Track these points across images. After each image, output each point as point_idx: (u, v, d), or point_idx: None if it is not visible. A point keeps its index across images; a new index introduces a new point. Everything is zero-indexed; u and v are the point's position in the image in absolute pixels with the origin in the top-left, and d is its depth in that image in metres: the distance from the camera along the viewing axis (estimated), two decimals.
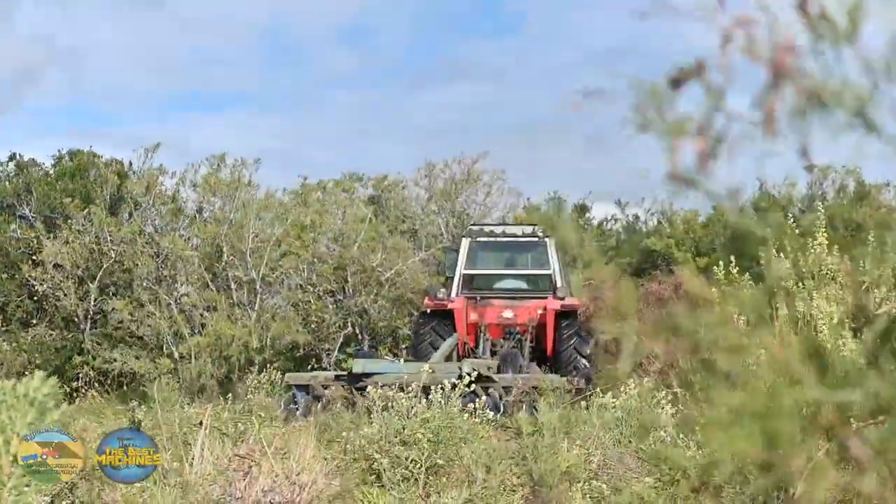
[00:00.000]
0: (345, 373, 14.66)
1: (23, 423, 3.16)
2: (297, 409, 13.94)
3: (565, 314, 17.31)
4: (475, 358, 16.04)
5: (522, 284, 18.53)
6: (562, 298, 17.52)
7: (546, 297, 17.59)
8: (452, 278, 18.26)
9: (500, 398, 13.29)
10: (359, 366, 13.86)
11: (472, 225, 20.96)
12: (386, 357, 13.40)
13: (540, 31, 68.81)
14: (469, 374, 11.70)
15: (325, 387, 14.05)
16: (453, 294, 17.83)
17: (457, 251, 18.71)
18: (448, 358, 16.29)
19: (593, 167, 60.70)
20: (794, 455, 1.23)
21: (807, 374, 1.27)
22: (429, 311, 17.60)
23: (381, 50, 70.52)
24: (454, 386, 10.40)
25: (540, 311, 17.53)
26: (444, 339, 16.94)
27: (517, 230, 19.15)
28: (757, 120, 1.28)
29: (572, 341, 16.80)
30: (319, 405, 13.44)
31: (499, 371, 15.00)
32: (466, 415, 10.26)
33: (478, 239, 18.66)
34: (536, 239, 18.41)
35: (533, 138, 60.16)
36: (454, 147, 67.33)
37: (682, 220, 34.23)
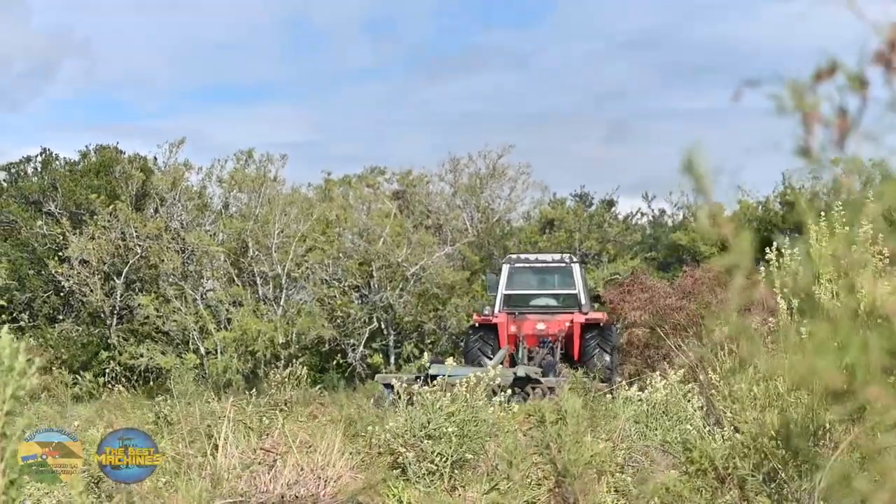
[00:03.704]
0: (423, 374, 16.64)
1: (3, 395, 3.06)
2: (385, 401, 15.97)
3: (589, 326, 20.44)
4: (518, 364, 18.93)
5: (553, 302, 21.84)
6: (585, 313, 20.79)
7: (573, 312, 20.83)
8: (495, 297, 21.48)
9: (544, 394, 15.41)
10: (434, 369, 15.82)
11: (510, 254, 24.76)
12: (453, 364, 15.24)
13: (565, 19, 68.54)
14: (522, 376, 15.77)
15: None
16: (496, 310, 21.07)
17: (498, 275, 21.97)
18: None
19: (619, 157, 60.59)
20: (873, 384, 1.44)
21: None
22: (477, 325, 20.92)
23: (404, 40, 70.42)
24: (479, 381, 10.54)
25: (567, 324, 20.66)
26: (490, 348, 20.06)
27: (548, 257, 22.81)
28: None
29: (595, 348, 19.91)
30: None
31: (543, 375, 17.44)
32: (491, 408, 10.29)
33: (516, 265, 22.06)
34: (564, 264, 21.93)
35: (558, 128, 60.11)
36: (479, 136, 67.46)
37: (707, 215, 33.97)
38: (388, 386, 16.97)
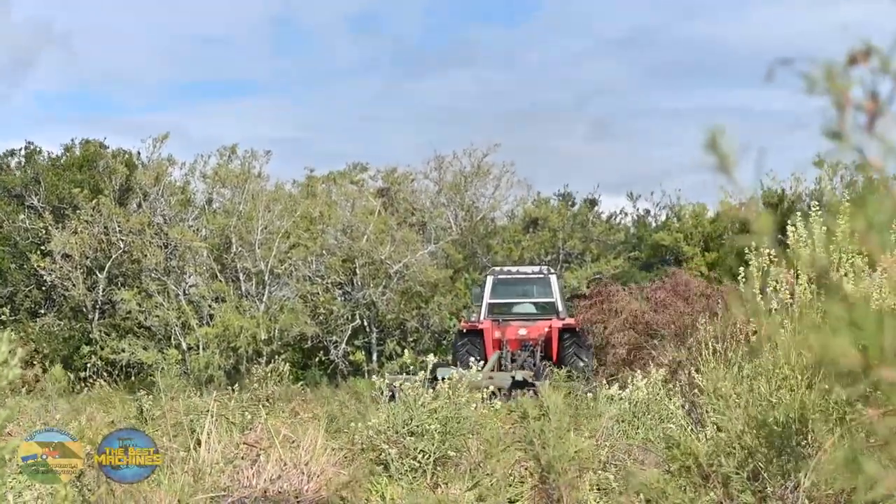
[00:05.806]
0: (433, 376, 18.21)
1: None
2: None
3: (566, 331, 22.15)
4: (503, 366, 21.05)
5: (533, 309, 23.69)
6: (563, 319, 22.55)
7: (551, 318, 22.68)
8: (480, 306, 23.41)
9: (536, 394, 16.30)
10: (440, 373, 16.55)
11: (493, 267, 27.00)
12: (453, 367, 17.31)
13: (554, 17, 68.68)
14: (520, 380, 17.35)
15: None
16: (482, 317, 22.98)
17: (483, 286, 24.00)
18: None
19: (607, 155, 60.82)
20: (886, 365, 1.47)
21: None
22: (464, 330, 22.82)
23: (391, 37, 70.41)
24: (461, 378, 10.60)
25: (546, 329, 22.44)
26: (477, 352, 21.28)
27: (528, 269, 25.17)
28: None
29: (572, 350, 21.60)
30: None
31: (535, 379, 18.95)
32: (475, 405, 10.32)
33: (499, 276, 24.04)
34: (542, 275, 23.96)
35: (545, 125, 60.26)
36: (466, 134, 67.56)
37: (691, 215, 34.13)
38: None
